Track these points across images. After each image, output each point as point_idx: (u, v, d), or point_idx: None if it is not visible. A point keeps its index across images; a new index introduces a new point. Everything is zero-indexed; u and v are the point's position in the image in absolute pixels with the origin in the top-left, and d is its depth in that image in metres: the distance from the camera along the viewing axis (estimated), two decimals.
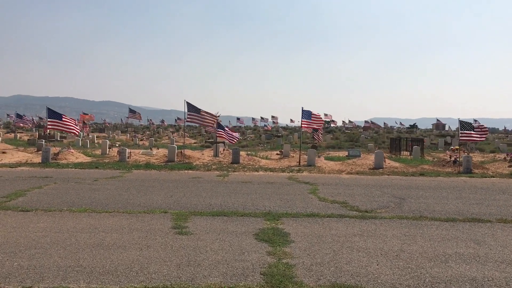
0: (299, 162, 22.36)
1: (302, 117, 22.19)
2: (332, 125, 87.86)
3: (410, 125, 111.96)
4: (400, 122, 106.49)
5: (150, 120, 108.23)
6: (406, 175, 18.98)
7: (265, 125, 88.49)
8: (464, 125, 21.02)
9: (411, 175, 19.01)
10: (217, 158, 24.86)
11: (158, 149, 30.48)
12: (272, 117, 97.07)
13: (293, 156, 26.34)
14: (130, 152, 24.30)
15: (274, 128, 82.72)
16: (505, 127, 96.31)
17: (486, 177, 18.77)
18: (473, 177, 18.72)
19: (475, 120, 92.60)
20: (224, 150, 29.55)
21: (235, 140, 25.45)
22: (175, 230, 7.91)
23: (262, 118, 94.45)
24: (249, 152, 28.27)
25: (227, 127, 26.47)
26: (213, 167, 20.65)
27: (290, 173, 19.01)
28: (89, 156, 25.20)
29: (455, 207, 10.81)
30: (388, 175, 19.03)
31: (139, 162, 22.18)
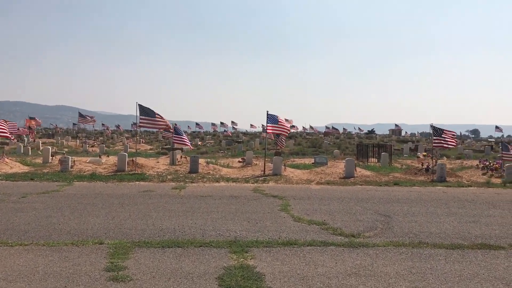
0: (264, 171, 20.50)
1: (267, 121, 20.36)
2: (293, 130, 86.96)
3: (368, 130, 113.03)
4: (359, 128, 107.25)
5: (105, 125, 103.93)
6: (380, 185, 17.49)
7: (225, 131, 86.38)
8: (437, 130, 19.83)
9: (385, 184, 17.54)
10: (174, 166, 22.61)
11: (108, 156, 27.86)
12: (232, 122, 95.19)
13: (256, 164, 24.48)
14: (74, 160, 21.68)
15: (234, 134, 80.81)
16: (460, 133, 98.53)
17: (462, 186, 17.55)
18: (449, 186, 17.45)
19: (432, 126, 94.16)
20: (181, 157, 27.30)
21: (190, 146, 23.36)
22: (108, 274, 5.79)
23: (222, 123, 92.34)
24: (208, 160, 26.15)
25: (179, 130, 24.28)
26: (169, 177, 18.43)
27: (255, 184, 17.09)
28: (27, 165, 22.35)
29: (451, 227, 9.21)
30: (361, 185, 17.48)
31: (84, 172, 19.64)
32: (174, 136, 22.94)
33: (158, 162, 24.80)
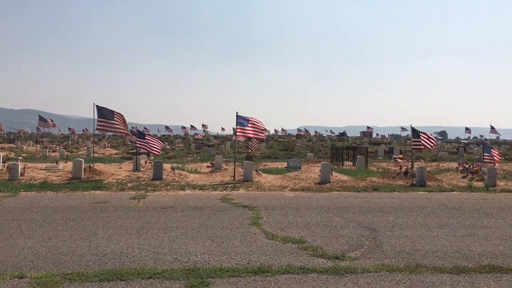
0: (234, 176, 19.04)
1: (237, 124, 18.91)
2: (265, 133, 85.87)
3: (339, 132, 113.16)
4: (331, 130, 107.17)
5: (71, 129, 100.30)
6: (358, 190, 16.29)
7: (195, 134, 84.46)
8: (416, 132, 18.82)
9: (363, 190, 16.35)
10: (137, 173, 20.90)
11: (66, 162, 25.80)
12: (203, 125, 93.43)
13: (226, 169, 23.00)
14: (25, 167, 19.69)
15: (205, 137, 79.00)
16: (431, 134, 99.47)
17: (444, 191, 16.54)
18: (431, 191, 16.41)
19: (402, 128, 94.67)
20: (146, 162, 25.56)
21: (158, 151, 21.66)
22: None
23: (192, 126, 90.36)
24: (175, 165, 24.50)
25: (148, 135, 22.50)
26: (129, 185, 16.73)
27: (224, 192, 15.61)
28: None
29: (448, 243, 7.98)
30: (338, 191, 16.24)
31: (35, 180, 17.73)
32: (138, 140, 21.21)
33: (120, 168, 23.05)
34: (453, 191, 16.62)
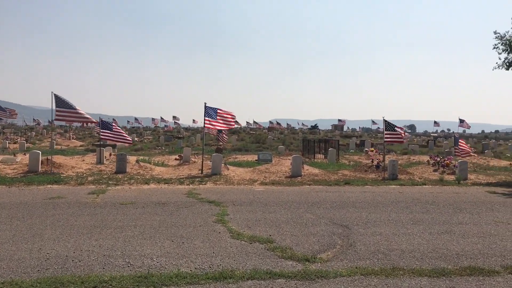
0: (202, 169, 18.29)
1: (205, 115, 18.12)
2: (236, 125, 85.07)
3: (311, 125, 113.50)
4: (302, 123, 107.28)
5: (36, 120, 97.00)
6: (330, 184, 15.83)
7: (165, 126, 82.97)
8: (389, 125, 18.50)
9: (335, 184, 15.90)
10: (100, 166, 19.90)
11: (25, 154, 24.44)
12: (174, 117, 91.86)
13: (194, 162, 22.23)
14: None
15: (175, 129, 77.61)
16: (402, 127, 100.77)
17: (416, 184, 16.27)
18: (403, 185, 16.11)
19: (373, 122, 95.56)
20: (111, 155, 24.52)
21: (129, 142, 20.69)
22: None
23: (162, 118, 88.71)
24: (141, 158, 23.55)
25: (116, 126, 21.49)
26: (89, 179, 15.78)
27: (190, 186, 14.88)
28: None
29: (424, 241, 7.51)
30: (310, 184, 15.74)
31: None
32: (102, 132, 20.17)
33: (83, 160, 21.98)
34: (425, 184, 16.37)
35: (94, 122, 19.93)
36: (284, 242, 7.24)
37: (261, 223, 8.77)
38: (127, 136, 20.84)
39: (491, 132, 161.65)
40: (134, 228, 8.13)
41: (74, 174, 17.02)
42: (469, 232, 8.16)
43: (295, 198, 12.23)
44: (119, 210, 9.95)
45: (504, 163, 26.24)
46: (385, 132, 18.68)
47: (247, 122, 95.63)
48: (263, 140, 44.37)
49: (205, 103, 18.11)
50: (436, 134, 74.86)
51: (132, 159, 21.65)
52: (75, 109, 17.27)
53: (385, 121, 18.58)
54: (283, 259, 6.32)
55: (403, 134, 19.16)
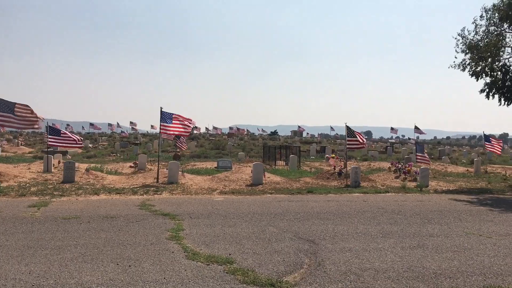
0: (157, 178, 17.25)
1: (161, 120, 17.12)
2: (195, 131, 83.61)
3: (271, 131, 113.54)
4: (262, 129, 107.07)
5: None
6: (292, 193, 15.22)
7: (122, 132, 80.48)
8: (351, 131, 18.13)
9: (297, 192, 15.31)
10: (46, 174, 18.47)
11: None
12: (131, 123, 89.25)
13: (150, 169, 21.13)
14: None
15: (132, 135, 75.34)
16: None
17: (380, 192, 15.92)
18: (367, 192, 15.73)
19: (332, 128, 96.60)
20: (59, 162, 22.99)
21: (79, 146, 19.34)
22: None
23: (119, 124, 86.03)
24: (93, 165, 22.19)
25: (65, 131, 19.96)
26: (32, 189, 14.45)
27: (144, 196, 13.87)
28: None
29: (398, 257, 6.92)
30: (271, 193, 15.07)
31: None
32: (50, 137, 18.75)
33: (29, 168, 20.42)
34: (388, 192, 16.05)
35: (37, 127, 18.32)
36: (246, 263, 6.46)
37: (220, 239, 7.95)
38: (77, 140, 19.44)
39: (443, 138, 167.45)
40: (74, 248, 7.12)
41: (16, 184, 15.61)
42: (442, 246, 7.65)
43: (257, 209, 11.49)
44: (60, 226, 8.86)
45: (461, 169, 26.59)
46: (348, 138, 18.31)
47: (206, 128, 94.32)
48: (222, 147, 43.51)
49: (161, 108, 17.13)
50: (393, 140, 76.31)
51: (82, 167, 20.30)
52: (16, 113, 15.83)
53: (347, 127, 18.20)
54: (244, 284, 5.54)
55: (362, 140, 18.81)
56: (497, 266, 6.52)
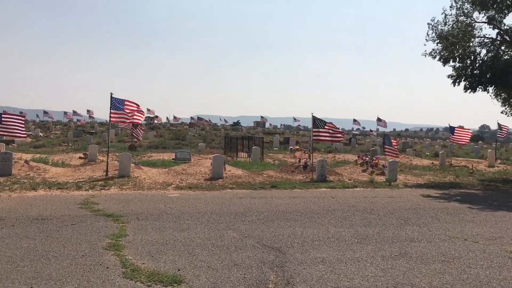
0: (107, 171, 15.65)
1: (111, 107, 15.49)
2: (156, 121, 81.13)
3: (233, 122, 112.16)
4: (225, 119, 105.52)
5: None
6: (255, 188, 14.05)
7: (78, 120, 77.07)
8: (321, 121, 17.09)
9: (260, 187, 14.16)
10: None
11: None
12: (88, 111, 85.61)
13: (102, 161, 19.41)
14: None
15: (89, 124, 72.14)
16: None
17: (348, 187, 14.99)
18: (334, 187, 14.77)
19: (295, 119, 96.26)
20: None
21: (23, 135, 17.37)
22: None
23: (75, 112, 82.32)
24: (37, 156, 20.27)
25: (5, 116, 17.79)
26: None
27: (90, 192, 12.33)
28: None
29: (379, 271, 5.83)
30: (232, 188, 13.84)
31: None
32: None
33: None
34: (356, 187, 15.14)
35: None
36: (198, 282, 5.20)
37: (169, 247, 6.65)
38: (20, 128, 17.37)
39: (402, 130, 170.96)
40: None
41: None
42: (428, 255, 6.64)
43: (215, 208, 10.23)
44: None
45: (426, 162, 26.22)
46: (313, 129, 17.26)
47: (167, 118, 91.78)
48: (183, 137, 41.85)
49: (111, 94, 15.47)
50: (357, 132, 76.61)
51: (23, 157, 18.39)
52: None
53: (314, 117, 17.13)
54: None
55: (335, 129, 17.58)
56: (496, 281, 5.54)
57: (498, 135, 31.47)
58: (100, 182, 13.95)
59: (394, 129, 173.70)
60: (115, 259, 6.00)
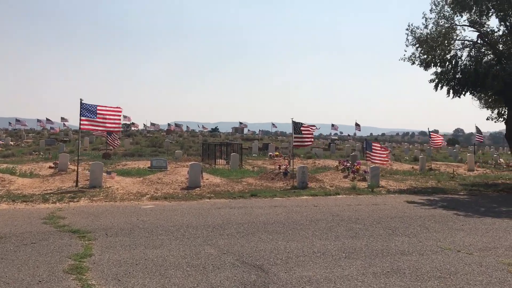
0: (77, 181, 14.80)
1: (80, 114, 14.67)
2: (133, 128, 79.63)
3: (212, 128, 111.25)
4: (203, 126, 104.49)
5: None
6: (234, 197, 13.43)
7: (51, 128, 75.01)
8: (297, 128, 16.59)
9: (240, 196, 13.55)
10: None
11: None
12: (62, 118, 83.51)
13: (73, 170, 18.47)
14: None
15: (63, 131, 70.26)
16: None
17: (330, 194, 14.52)
18: (316, 195, 14.28)
19: (273, 124, 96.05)
20: None
21: None
22: None
23: (48, 119, 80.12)
24: (3, 166, 19.21)
25: None
26: None
27: (57, 205, 11.52)
28: None
29: None
30: (210, 198, 13.20)
31: None
32: None
33: None
34: (339, 194, 14.68)
35: None
36: None
37: (139, 268, 5.98)
38: None
39: (378, 135, 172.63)
40: None
41: None
42: (422, 270, 6.14)
43: (192, 220, 9.57)
44: None
45: (406, 166, 26.03)
46: (294, 135, 16.76)
47: (144, 125, 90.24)
48: (160, 144, 40.87)
49: (80, 100, 14.65)
50: (335, 137, 76.67)
51: None
52: None
53: (294, 122, 16.64)
54: None
55: (311, 131, 17.06)
56: None
57: (477, 139, 31.60)
58: (69, 194, 13.11)
59: (371, 134, 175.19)
60: (75, 285, 5.30)
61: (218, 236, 8.01)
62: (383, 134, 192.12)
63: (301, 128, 16.83)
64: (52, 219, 9.45)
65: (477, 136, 31.32)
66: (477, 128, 30.98)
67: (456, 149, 44.60)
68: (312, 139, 17.77)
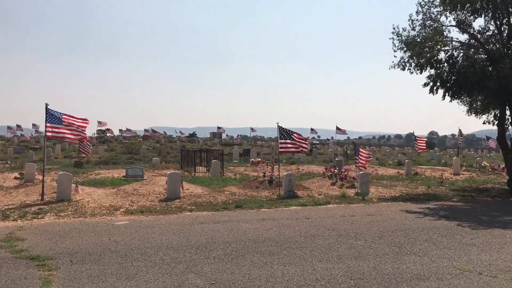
0: (42, 194, 13.43)
1: (46, 120, 13.34)
2: (108, 134, 77.43)
3: (189, 133, 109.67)
4: (180, 131, 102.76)
5: None
6: (217, 209, 12.33)
7: (21, 135, 72.32)
8: (286, 132, 15.60)
9: (223, 208, 12.45)
10: None
11: None
12: (33, 125, 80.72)
13: (41, 181, 17.04)
14: None
15: (34, 139, 67.69)
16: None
17: (320, 204, 13.55)
18: (305, 205, 13.29)
19: (252, 129, 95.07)
20: None
21: None
22: None
23: (18, 126, 77.30)
24: None
25: None
26: None
27: (18, 222, 10.20)
28: None
29: None
30: (191, 210, 12.07)
31: None
32: None
33: None
34: (329, 203, 13.73)
35: None
36: None
37: None
38: None
39: (355, 138, 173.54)
40: None
41: None
42: None
43: (172, 239, 8.44)
44: None
45: (391, 171, 25.38)
46: (280, 140, 15.73)
47: (120, 130, 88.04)
48: (136, 151, 39.37)
49: (46, 105, 13.31)
50: (317, 142, 76.16)
51: None
52: None
53: (280, 128, 15.63)
54: None
55: (302, 141, 16.11)
56: None
57: (460, 142, 31.31)
58: (33, 209, 11.77)
59: (348, 137, 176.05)
60: None
61: (203, 261, 6.91)
62: (360, 138, 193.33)
63: (294, 135, 15.80)
64: (10, 241, 8.18)
65: (460, 139, 31.01)
66: (460, 131, 30.67)
67: (438, 153, 44.41)
68: (307, 146, 16.82)
